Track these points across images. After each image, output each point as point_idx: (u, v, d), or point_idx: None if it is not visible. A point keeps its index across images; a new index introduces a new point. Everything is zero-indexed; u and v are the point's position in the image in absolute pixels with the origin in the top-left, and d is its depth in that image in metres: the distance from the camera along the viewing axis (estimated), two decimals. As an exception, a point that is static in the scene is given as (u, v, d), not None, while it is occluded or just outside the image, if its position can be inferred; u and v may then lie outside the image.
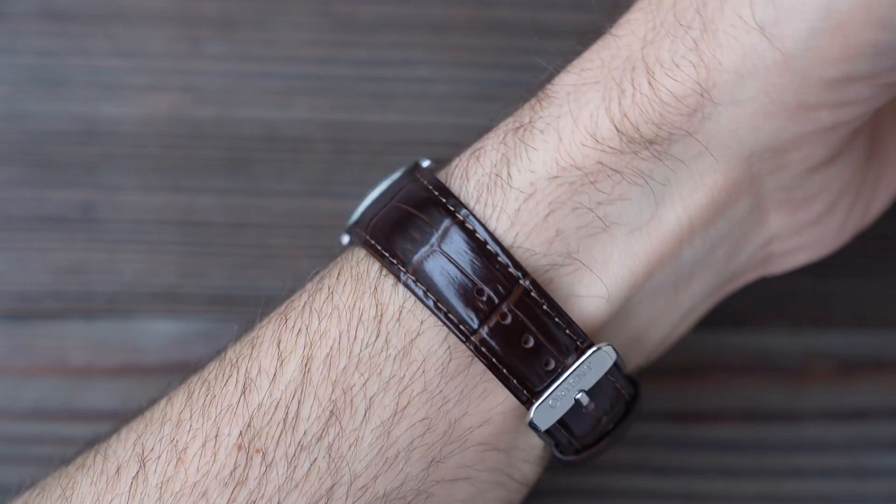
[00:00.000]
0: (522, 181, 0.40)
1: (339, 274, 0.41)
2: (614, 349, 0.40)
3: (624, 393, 0.42)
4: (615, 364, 0.41)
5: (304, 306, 0.41)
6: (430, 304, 0.40)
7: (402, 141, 0.53)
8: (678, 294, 0.42)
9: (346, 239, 0.44)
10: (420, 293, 0.40)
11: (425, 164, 0.43)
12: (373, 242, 0.41)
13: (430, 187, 0.41)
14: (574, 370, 0.40)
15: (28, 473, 0.50)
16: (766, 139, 0.40)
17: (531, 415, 0.40)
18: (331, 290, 0.41)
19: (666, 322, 0.43)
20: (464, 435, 0.40)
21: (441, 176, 0.42)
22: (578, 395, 0.40)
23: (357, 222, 0.42)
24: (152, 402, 0.42)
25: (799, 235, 0.43)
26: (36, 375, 0.51)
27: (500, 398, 0.40)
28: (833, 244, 0.45)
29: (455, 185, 0.41)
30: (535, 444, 0.42)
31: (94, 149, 0.53)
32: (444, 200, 0.40)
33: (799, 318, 0.52)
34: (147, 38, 0.53)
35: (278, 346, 0.40)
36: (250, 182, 0.53)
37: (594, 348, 0.40)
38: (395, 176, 0.43)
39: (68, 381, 0.51)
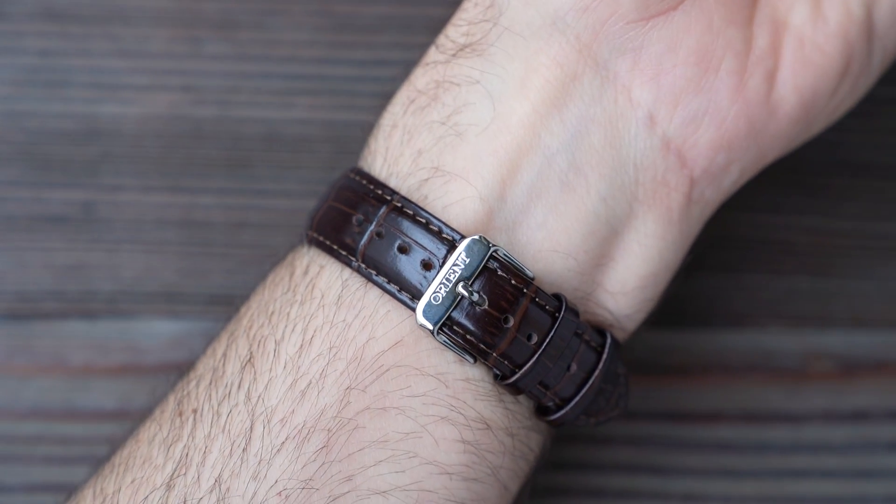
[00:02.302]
0: (385, 122, 0.44)
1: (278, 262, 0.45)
2: (486, 239, 0.41)
3: (547, 307, 0.41)
4: (518, 270, 0.41)
5: (246, 299, 0.44)
6: (323, 242, 0.42)
7: (402, 141, 0.53)
8: (576, 193, 0.42)
9: None
10: (318, 240, 0.43)
11: None
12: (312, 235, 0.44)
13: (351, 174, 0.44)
14: (450, 264, 0.41)
15: (28, 473, 0.50)
16: None
17: (418, 314, 0.41)
18: (264, 275, 0.44)
19: (584, 230, 0.42)
20: (376, 360, 0.41)
21: None
22: (460, 287, 0.41)
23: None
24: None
25: (682, 106, 0.43)
26: (36, 375, 0.51)
27: (403, 315, 0.41)
28: (738, 113, 0.43)
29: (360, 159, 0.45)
30: (475, 373, 0.42)
31: (94, 149, 0.53)
32: (347, 173, 0.44)
33: (799, 318, 0.52)
34: (147, 38, 0.53)
35: (220, 333, 0.44)
36: (250, 182, 0.53)
37: (466, 240, 0.41)
38: None
39: (68, 381, 0.51)
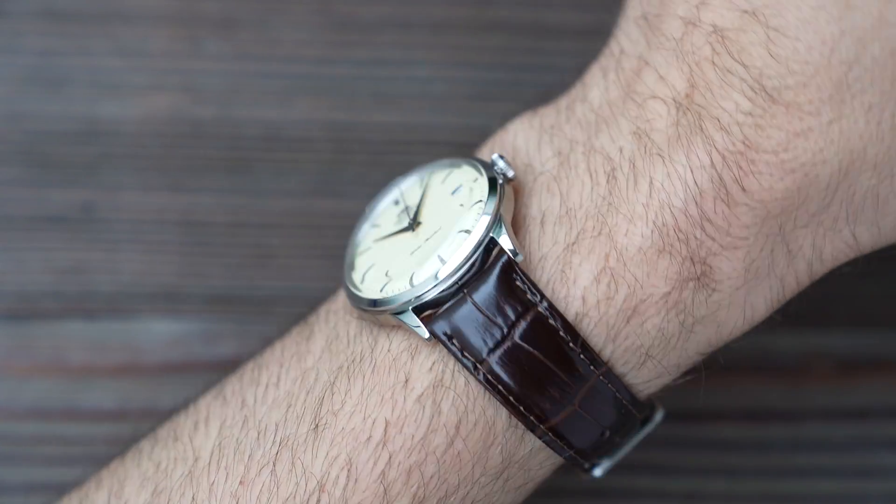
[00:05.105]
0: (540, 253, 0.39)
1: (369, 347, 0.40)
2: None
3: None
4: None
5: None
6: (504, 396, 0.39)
7: (402, 141, 0.53)
8: None
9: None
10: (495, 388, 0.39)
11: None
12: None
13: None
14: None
15: (28, 473, 0.50)
16: None
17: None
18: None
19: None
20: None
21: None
22: None
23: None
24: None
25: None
26: (36, 375, 0.51)
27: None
28: None
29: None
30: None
31: (94, 149, 0.53)
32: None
33: (799, 318, 0.52)
34: (147, 38, 0.53)
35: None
36: (250, 182, 0.53)
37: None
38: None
39: (68, 381, 0.51)
